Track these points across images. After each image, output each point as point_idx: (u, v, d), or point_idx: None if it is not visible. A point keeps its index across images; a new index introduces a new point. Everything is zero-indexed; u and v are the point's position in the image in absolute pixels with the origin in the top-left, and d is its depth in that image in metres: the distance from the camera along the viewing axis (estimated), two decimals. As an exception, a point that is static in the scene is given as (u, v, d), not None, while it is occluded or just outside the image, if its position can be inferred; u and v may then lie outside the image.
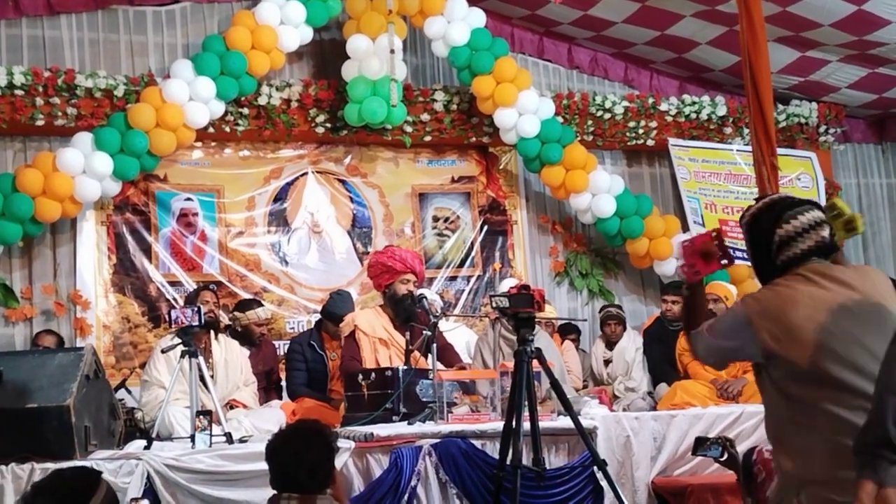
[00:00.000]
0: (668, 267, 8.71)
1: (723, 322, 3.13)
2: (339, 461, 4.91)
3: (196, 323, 5.49)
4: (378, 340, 6.40)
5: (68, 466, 3.67)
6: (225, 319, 7.06)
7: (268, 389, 7.12)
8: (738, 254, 7.78)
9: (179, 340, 5.57)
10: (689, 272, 3.37)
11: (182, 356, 5.54)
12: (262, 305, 7.45)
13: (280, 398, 7.02)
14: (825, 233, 3.01)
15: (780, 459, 2.95)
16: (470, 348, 7.08)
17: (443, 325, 6.86)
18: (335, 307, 7.21)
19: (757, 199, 3.22)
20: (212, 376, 6.09)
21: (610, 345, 7.93)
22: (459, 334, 7.30)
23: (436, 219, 8.91)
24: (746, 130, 8.78)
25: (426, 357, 5.94)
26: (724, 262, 3.38)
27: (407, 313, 6.37)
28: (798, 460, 2.86)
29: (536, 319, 7.43)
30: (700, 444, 4.45)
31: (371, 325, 6.45)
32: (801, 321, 2.85)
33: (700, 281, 3.39)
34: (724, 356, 3.27)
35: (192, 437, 5.25)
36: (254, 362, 7.06)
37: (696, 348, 3.28)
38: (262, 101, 7.99)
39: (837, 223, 3.34)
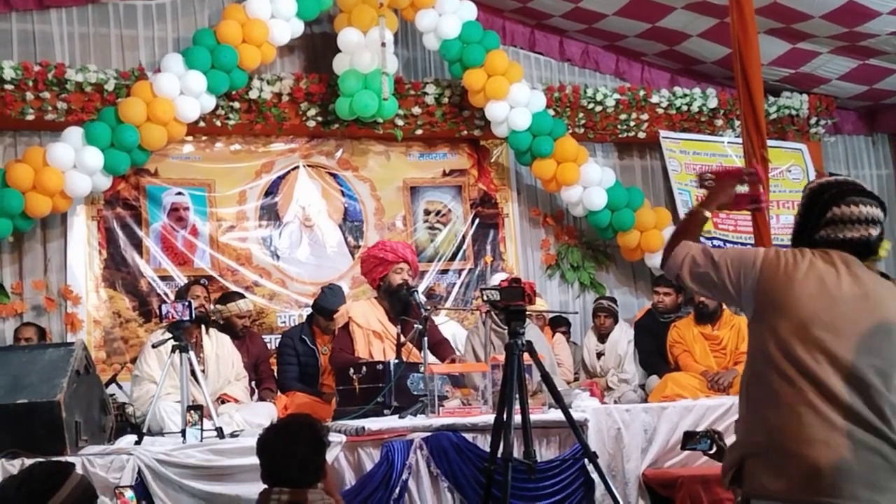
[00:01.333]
0: (659, 260, 8.70)
1: (730, 253, 3.06)
2: (331, 455, 4.92)
3: (187, 318, 5.48)
4: (372, 333, 6.41)
5: (40, 461, 3.64)
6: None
7: (257, 382, 7.09)
8: (719, 244, 7.81)
9: (170, 335, 5.57)
10: (716, 206, 3.35)
11: (173, 351, 5.54)
12: (243, 298, 7.42)
13: (273, 391, 7.00)
14: (874, 231, 2.99)
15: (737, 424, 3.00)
16: (457, 342, 7.08)
17: (435, 319, 6.88)
18: (326, 301, 7.20)
19: (831, 174, 3.23)
20: (203, 371, 6.09)
21: (602, 337, 7.94)
22: (447, 328, 7.30)
23: (427, 212, 8.91)
24: (737, 122, 8.78)
25: (420, 350, 5.95)
26: (754, 206, 3.39)
27: (403, 304, 6.37)
28: (742, 429, 2.93)
29: (528, 312, 7.52)
30: (689, 438, 4.45)
31: (366, 317, 6.45)
32: (799, 296, 2.86)
33: (710, 214, 3.34)
34: (709, 282, 3.07)
35: (183, 432, 5.26)
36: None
37: (677, 260, 3.15)
38: (254, 94, 7.98)
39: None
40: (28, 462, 4.41)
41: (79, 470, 3.55)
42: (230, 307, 7.17)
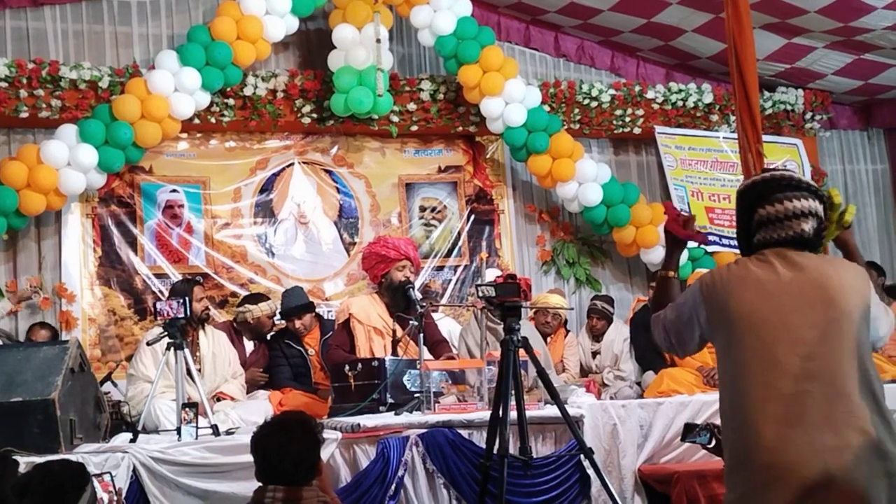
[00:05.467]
0: (655, 255, 8.72)
1: (682, 297, 3.10)
2: (326, 452, 4.92)
3: (181, 315, 5.47)
4: (373, 329, 6.41)
5: (55, 460, 3.66)
6: (214, 314, 7.04)
7: (268, 384, 7.08)
8: (715, 239, 7.77)
9: (165, 332, 5.56)
10: (675, 261, 3.38)
11: (168, 348, 5.53)
12: (269, 299, 7.43)
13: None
14: (806, 226, 2.91)
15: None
16: (452, 338, 7.08)
17: (433, 317, 6.88)
18: (289, 302, 7.29)
19: (764, 170, 3.13)
20: (199, 369, 6.08)
21: (596, 337, 7.94)
22: (441, 325, 7.30)
23: (422, 209, 8.90)
24: (733, 118, 8.79)
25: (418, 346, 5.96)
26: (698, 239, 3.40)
27: (405, 301, 6.36)
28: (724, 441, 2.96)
29: (552, 310, 7.53)
30: (689, 431, 4.46)
31: (366, 313, 6.45)
32: (738, 303, 2.86)
33: (675, 272, 3.34)
34: (680, 331, 3.08)
35: (179, 430, 5.25)
36: (255, 357, 7.07)
37: (655, 332, 3.19)
38: (248, 91, 7.96)
39: (833, 216, 3.22)
40: (23, 460, 4.41)
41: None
42: (262, 307, 7.18)
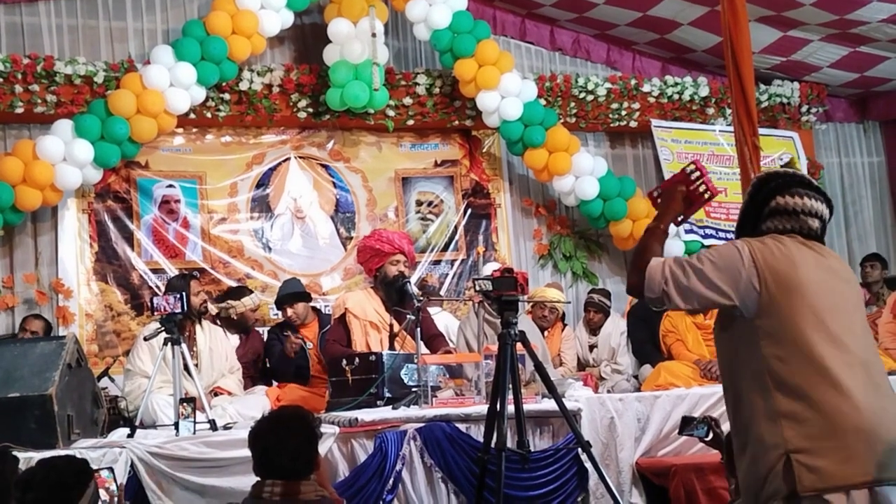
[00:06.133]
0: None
1: (710, 257, 2.95)
2: (324, 446, 4.92)
3: (178, 310, 5.47)
4: (369, 323, 6.41)
5: (58, 456, 3.67)
6: (212, 308, 7.04)
7: (255, 378, 7.09)
8: (712, 233, 7.76)
9: (162, 328, 5.56)
10: (672, 219, 3.24)
11: (165, 343, 5.53)
12: (252, 292, 7.44)
13: (270, 385, 7.00)
14: (815, 225, 3.01)
15: (760, 425, 2.84)
16: (449, 333, 7.08)
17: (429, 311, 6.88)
18: (281, 290, 7.32)
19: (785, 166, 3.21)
20: (196, 364, 6.08)
21: (593, 331, 7.94)
22: (438, 319, 7.30)
23: (419, 203, 8.89)
24: (729, 111, 8.78)
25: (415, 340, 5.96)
26: (707, 195, 3.25)
27: (400, 295, 6.36)
28: (779, 426, 2.80)
29: (550, 304, 7.53)
30: (686, 424, 4.47)
31: (362, 308, 6.45)
32: (807, 274, 2.88)
33: (666, 227, 3.22)
34: (697, 293, 2.93)
35: (176, 425, 5.25)
36: (242, 351, 7.07)
37: (656, 278, 2.97)
38: (244, 86, 7.95)
39: None
40: (20, 456, 4.41)
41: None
42: (245, 302, 7.18)
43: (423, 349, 6.08)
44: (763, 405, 2.84)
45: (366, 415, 5.36)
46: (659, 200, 3.32)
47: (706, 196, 3.26)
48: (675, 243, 8.39)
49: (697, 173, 3.26)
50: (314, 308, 7.47)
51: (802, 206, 2.99)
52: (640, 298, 3.08)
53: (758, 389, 2.86)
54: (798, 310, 2.84)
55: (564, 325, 8.04)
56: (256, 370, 7.19)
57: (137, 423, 5.43)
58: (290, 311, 7.18)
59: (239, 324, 7.19)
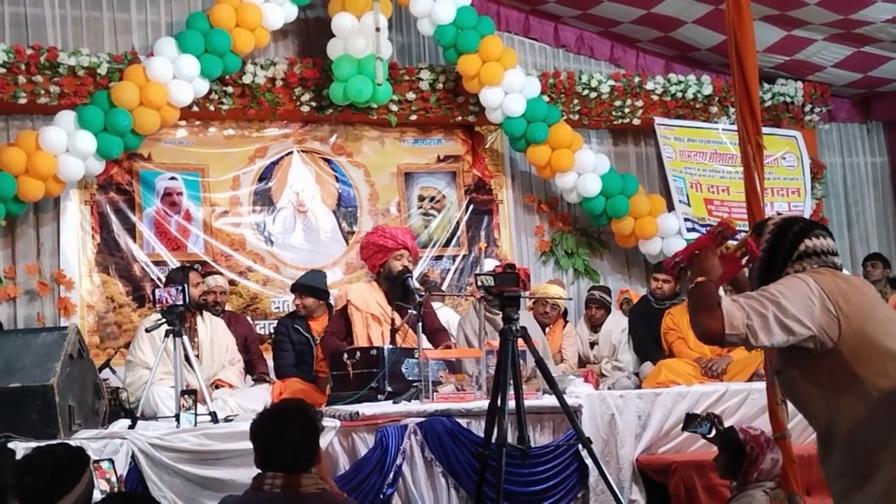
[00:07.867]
0: (654, 246, 8.73)
1: (782, 291, 2.96)
2: (325, 440, 4.92)
3: (180, 302, 5.47)
4: (371, 316, 6.41)
5: (55, 443, 3.67)
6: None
7: (249, 363, 7.01)
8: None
9: (163, 320, 5.56)
10: (716, 278, 3.09)
11: (166, 335, 5.53)
12: (213, 275, 7.37)
13: (267, 379, 6.97)
14: (839, 262, 3.18)
15: (877, 460, 2.89)
16: (450, 328, 7.08)
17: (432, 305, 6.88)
18: (304, 279, 7.30)
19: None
20: (197, 356, 6.09)
21: (594, 327, 7.94)
22: (440, 315, 7.30)
23: (421, 198, 8.89)
24: (732, 109, 8.79)
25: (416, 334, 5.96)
26: (746, 259, 3.22)
27: (403, 290, 6.36)
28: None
29: (551, 301, 7.53)
30: (690, 421, 4.49)
31: (364, 300, 6.45)
32: (872, 301, 3.07)
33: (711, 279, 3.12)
34: (788, 329, 2.91)
35: (177, 417, 5.25)
36: None
37: (739, 327, 2.89)
38: (247, 79, 7.95)
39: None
40: (21, 446, 4.42)
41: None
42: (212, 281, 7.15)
43: (425, 343, 6.08)
44: (886, 420, 2.90)
45: (367, 409, 5.37)
46: (688, 272, 3.18)
47: (746, 260, 3.24)
48: (678, 242, 8.40)
49: (729, 233, 3.21)
50: (328, 304, 7.37)
51: (826, 247, 3.15)
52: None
53: (871, 410, 2.91)
54: (871, 325, 2.98)
55: (566, 322, 8.03)
56: (248, 355, 7.03)
57: (138, 415, 5.43)
58: (297, 301, 7.19)
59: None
